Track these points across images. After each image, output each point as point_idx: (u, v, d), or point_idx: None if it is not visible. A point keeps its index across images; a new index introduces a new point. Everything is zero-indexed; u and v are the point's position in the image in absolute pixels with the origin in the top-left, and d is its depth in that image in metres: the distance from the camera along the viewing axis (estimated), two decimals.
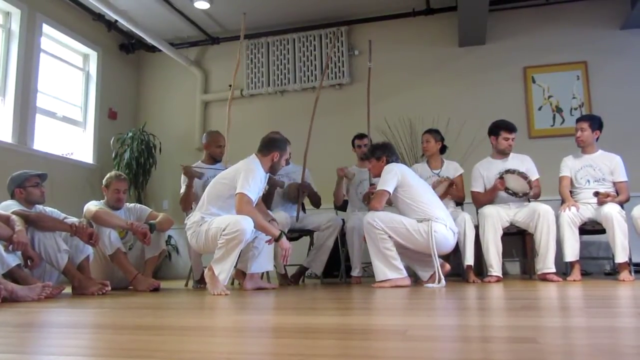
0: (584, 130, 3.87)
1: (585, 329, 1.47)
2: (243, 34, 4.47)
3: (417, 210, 3.39)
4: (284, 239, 3.18)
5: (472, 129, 5.03)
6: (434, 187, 3.80)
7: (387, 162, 3.60)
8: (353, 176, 4.31)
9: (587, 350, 1.14)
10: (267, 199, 3.95)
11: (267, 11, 5.69)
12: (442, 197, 3.82)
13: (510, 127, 3.96)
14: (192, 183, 3.97)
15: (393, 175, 3.45)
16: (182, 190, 4.06)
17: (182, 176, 4.09)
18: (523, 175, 3.65)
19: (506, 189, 3.75)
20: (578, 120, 3.99)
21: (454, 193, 3.98)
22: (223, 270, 3.05)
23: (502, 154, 4.00)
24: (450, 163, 4.17)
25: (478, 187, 4.02)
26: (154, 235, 3.62)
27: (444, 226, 3.34)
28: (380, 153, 3.65)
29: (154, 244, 3.67)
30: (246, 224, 3.03)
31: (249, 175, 3.18)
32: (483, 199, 3.97)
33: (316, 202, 4.34)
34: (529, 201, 3.91)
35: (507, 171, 3.72)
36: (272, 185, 4.02)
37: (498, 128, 3.99)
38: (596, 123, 3.89)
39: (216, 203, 3.27)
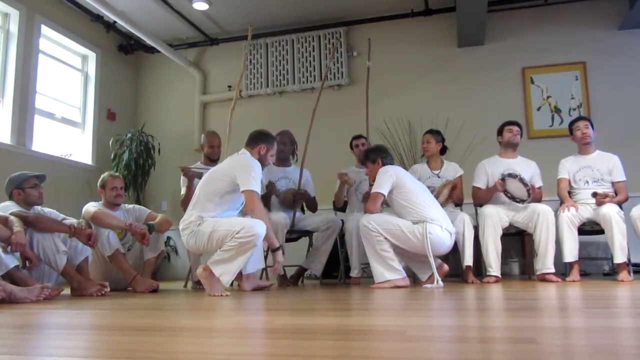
0: (588, 127, 3.91)
1: (584, 329, 1.47)
2: (249, 43, 4.45)
3: (412, 211, 3.39)
4: (280, 253, 3.18)
5: (471, 130, 5.04)
6: (437, 195, 3.79)
7: (383, 164, 3.60)
8: (353, 184, 4.31)
9: (586, 351, 1.14)
10: (264, 202, 3.95)
11: (265, 12, 5.69)
12: (445, 202, 3.82)
13: (511, 121, 4.09)
14: (192, 184, 3.97)
15: (388, 178, 3.46)
16: (183, 192, 4.08)
17: (182, 178, 4.10)
18: (524, 182, 3.65)
19: (505, 192, 3.76)
20: (578, 120, 4.01)
21: (455, 196, 3.97)
22: (228, 272, 3.01)
23: (509, 146, 4.01)
24: (449, 164, 4.17)
25: (479, 183, 4.02)
26: (152, 236, 3.62)
27: (439, 227, 3.33)
28: (375, 156, 3.65)
29: (153, 244, 3.67)
30: (261, 228, 3.02)
31: (250, 171, 3.13)
32: (482, 196, 3.98)
33: (312, 209, 4.34)
34: (527, 201, 3.90)
35: (510, 175, 3.72)
36: (269, 191, 4.03)
37: (502, 126, 4.09)
38: (591, 123, 3.97)
39: (213, 199, 3.18)
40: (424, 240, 3.29)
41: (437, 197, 3.75)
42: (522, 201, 3.72)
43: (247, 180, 3.11)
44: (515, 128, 4.02)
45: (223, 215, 3.20)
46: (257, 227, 3.00)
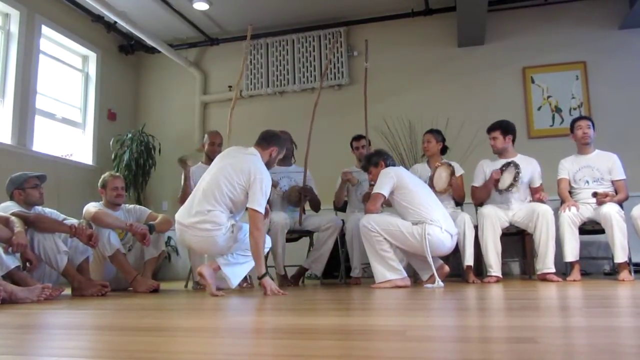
0: (589, 127, 3.92)
1: (584, 328, 1.47)
2: (248, 43, 4.44)
3: (414, 212, 3.40)
4: (267, 279, 2.98)
5: (471, 130, 5.03)
6: (432, 176, 3.82)
7: (386, 166, 3.61)
8: (357, 182, 4.31)
9: (587, 350, 1.14)
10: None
11: (266, 12, 5.70)
12: (444, 190, 3.82)
13: (488, 128, 4.03)
14: (188, 174, 3.97)
15: (389, 179, 3.46)
16: (182, 187, 4.06)
17: (183, 174, 4.09)
18: (517, 170, 3.72)
19: (496, 182, 3.80)
20: (581, 119, 4.01)
21: (456, 191, 3.97)
22: (239, 276, 3.14)
23: (495, 153, 4.04)
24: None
25: (477, 183, 4.03)
26: (153, 237, 3.62)
27: (439, 229, 3.33)
28: (377, 159, 3.67)
29: (154, 245, 3.67)
30: (270, 242, 3.37)
31: (263, 187, 3.02)
32: (479, 194, 3.99)
33: (316, 207, 4.34)
34: (515, 187, 3.91)
35: (508, 164, 3.77)
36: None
37: (487, 132, 4.05)
38: (592, 123, 3.97)
39: (227, 203, 3.07)
40: (423, 241, 3.29)
41: (432, 178, 3.83)
42: (508, 188, 3.78)
43: (258, 198, 3.00)
44: (493, 134, 3.96)
45: (240, 217, 3.25)
46: (269, 241, 3.33)
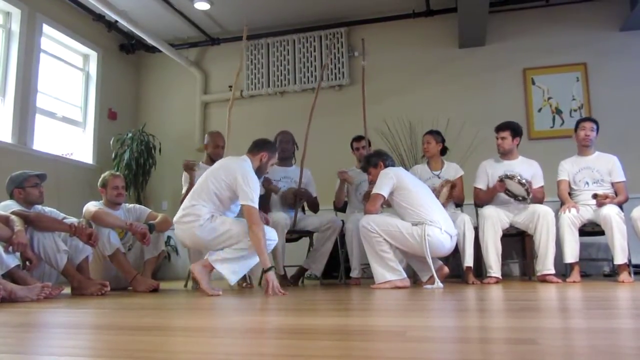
0: (592, 130, 3.91)
1: (584, 330, 1.47)
2: (245, 44, 4.43)
3: (413, 213, 3.40)
4: (272, 273, 3.00)
5: (471, 131, 5.04)
6: (437, 193, 3.79)
7: (385, 166, 3.61)
8: (355, 181, 4.30)
9: (587, 352, 1.14)
10: (263, 202, 3.94)
11: (267, 12, 5.70)
12: (446, 202, 3.81)
13: (498, 127, 4.01)
14: (193, 180, 3.97)
15: (388, 180, 3.46)
16: (185, 190, 4.07)
17: (183, 175, 4.09)
18: (521, 183, 3.65)
19: (506, 190, 3.76)
20: (586, 120, 4.01)
21: (456, 196, 3.97)
22: (236, 272, 3.10)
23: (500, 153, 4.02)
24: (450, 164, 4.17)
25: (480, 184, 4.02)
26: (153, 236, 3.62)
27: (439, 230, 3.33)
28: (376, 159, 3.67)
29: (153, 244, 3.67)
30: (275, 235, 3.26)
31: (249, 182, 3.08)
32: (483, 197, 3.98)
33: (314, 208, 4.34)
34: (527, 200, 3.90)
35: (507, 176, 3.72)
36: (267, 190, 4.03)
37: (495, 131, 4.04)
38: (597, 126, 3.95)
39: (214, 200, 3.17)
40: (422, 242, 3.29)
41: (436, 197, 3.76)
42: (523, 199, 3.72)
43: (246, 194, 3.05)
44: (502, 134, 3.95)
45: (227, 215, 3.23)
46: (273, 234, 3.22)
